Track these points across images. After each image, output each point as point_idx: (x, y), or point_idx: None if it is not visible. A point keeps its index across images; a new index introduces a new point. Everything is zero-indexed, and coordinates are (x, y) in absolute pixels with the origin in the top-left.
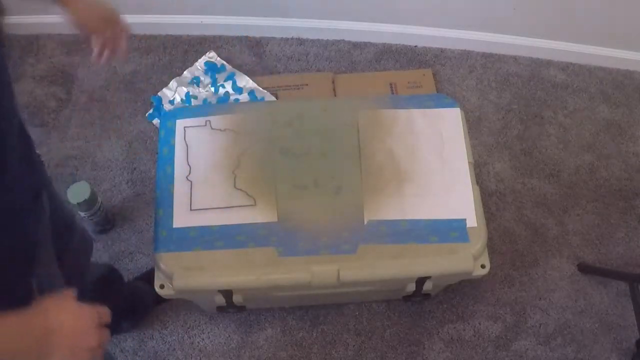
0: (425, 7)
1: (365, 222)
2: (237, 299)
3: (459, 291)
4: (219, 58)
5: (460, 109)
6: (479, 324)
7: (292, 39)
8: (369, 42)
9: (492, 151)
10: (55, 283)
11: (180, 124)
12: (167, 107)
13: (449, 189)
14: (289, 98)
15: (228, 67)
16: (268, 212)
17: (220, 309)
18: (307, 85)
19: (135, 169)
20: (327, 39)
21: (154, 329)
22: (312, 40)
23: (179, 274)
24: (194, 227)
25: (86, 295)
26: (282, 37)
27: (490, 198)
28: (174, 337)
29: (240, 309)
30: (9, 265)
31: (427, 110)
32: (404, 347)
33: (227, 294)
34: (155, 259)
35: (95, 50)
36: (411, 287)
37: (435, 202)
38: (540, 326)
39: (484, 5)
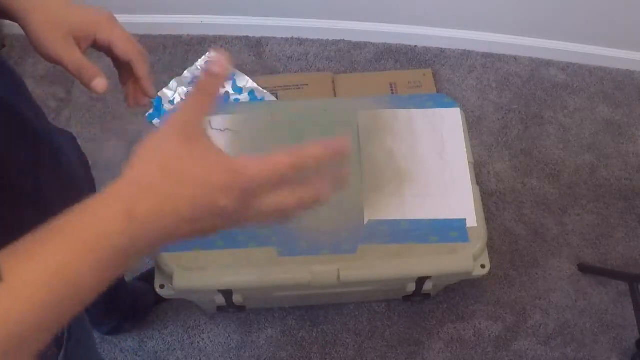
0: (425, 7)
1: (365, 222)
2: (237, 298)
3: (459, 291)
4: None
5: (460, 109)
6: (479, 324)
7: (292, 39)
8: (369, 42)
9: (492, 151)
10: None
11: None
12: (167, 107)
13: (449, 189)
14: (289, 98)
15: None
16: None
17: (220, 309)
18: (307, 85)
19: None
20: (327, 39)
21: (154, 329)
22: (312, 40)
23: (179, 274)
24: None
25: (100, 302)
26: (282, 37)
27: (490, 198)
28: (174, 337)
29: (240, 309)
30: None
31: (427, 110)
32: (404, 347)
33: (227, 293)
34: (155, 259)
35: (99, 81)
36: (411, 287)
37: (435, 202)
38: (540, 326)
39: (484, 5)
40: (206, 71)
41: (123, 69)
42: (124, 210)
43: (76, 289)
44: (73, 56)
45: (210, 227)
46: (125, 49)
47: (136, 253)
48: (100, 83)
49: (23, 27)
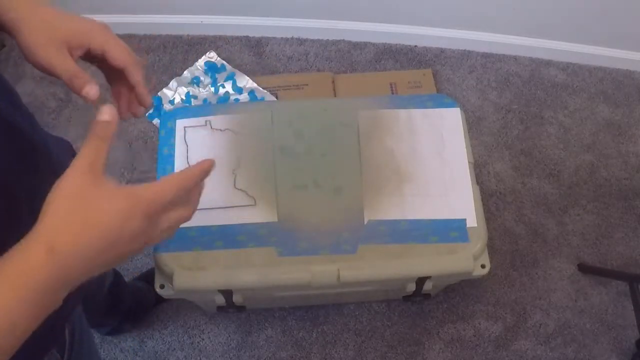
0: (425, 7)
1: (365, 222)
2: (237, 299)
3: (459, 291)
4: (219, 58)
5: (460, 109)
6: (479, 324)
7: (292, 39)
8: (369, 42)
9: (492, 151)
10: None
11: (180, 124)
12: (167, 107)
13: (449, 189)
14: (289, 98)
15: (228, 67)
16: (268, 212)
17: (220, 309)
18: (307, 85)
19: (135, 169)
20: (327, 39)
21: (154, 329)
22: (312, 40)
23: (179, 274)
24: (194, 227)
25: (101, 303)
26: (282, 37)
27: (490, 198)
28: (174, 337)
29: (240, 309)
30: None
31: (427, 110)
32: (404, 347)
33: (227, 294)
34: (155, 259)
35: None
36: (411, 287)
37: (435, 202)
38: (540, 326)
39: (484, 5)
40: (99, 120)
41: (116, 80)
42: (45, 247)
43: (11, 326)
44: (65, 65)
45: (129, 249)
46: (120, 57)
47: (65, 285)
48: (91, 90)
49: (15, 37)
